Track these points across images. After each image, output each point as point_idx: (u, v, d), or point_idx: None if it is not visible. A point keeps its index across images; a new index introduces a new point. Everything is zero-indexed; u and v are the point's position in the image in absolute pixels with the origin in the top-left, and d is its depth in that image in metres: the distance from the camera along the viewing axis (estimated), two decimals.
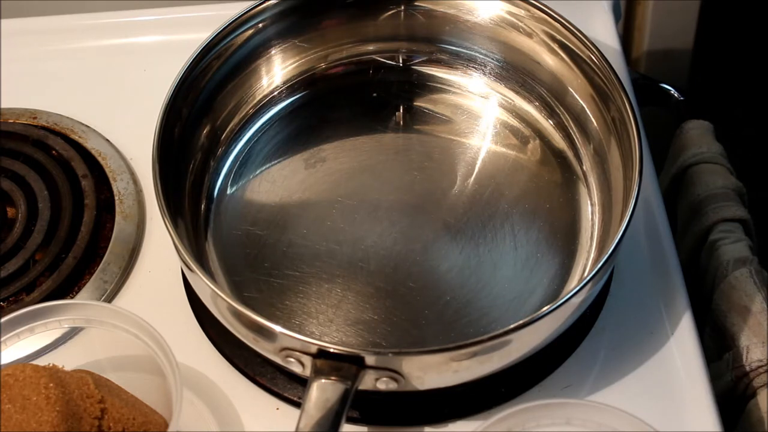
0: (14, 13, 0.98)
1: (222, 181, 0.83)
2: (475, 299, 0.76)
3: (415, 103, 0.88)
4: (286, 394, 0.74)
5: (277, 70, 0.87)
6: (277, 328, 0.66)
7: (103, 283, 0.80)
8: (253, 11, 0.82)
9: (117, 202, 0.84)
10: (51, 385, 0.66)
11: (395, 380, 0.67)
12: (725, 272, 0.80)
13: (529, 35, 0.83)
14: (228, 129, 0.85)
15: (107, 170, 0.86)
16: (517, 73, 0.86)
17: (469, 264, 0.78)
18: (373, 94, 0.88)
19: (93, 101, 0.91)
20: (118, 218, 0.83)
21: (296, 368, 0.68)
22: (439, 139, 0.86)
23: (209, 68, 0.82)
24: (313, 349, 0.66)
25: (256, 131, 0.86)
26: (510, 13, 0.84)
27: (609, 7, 0.96)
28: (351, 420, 0.72)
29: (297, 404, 0.73)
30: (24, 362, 0.70)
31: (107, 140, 0.88)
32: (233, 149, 0.85)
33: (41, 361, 0.72)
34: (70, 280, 0.79)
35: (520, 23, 0.84)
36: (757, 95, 1.44)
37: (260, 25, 0.84)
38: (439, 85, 0.88)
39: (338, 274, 0.77)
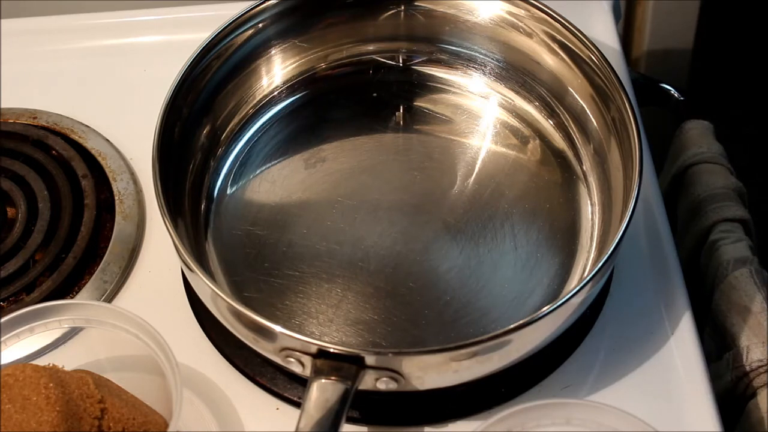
0: (14, 13, 0.98)
1: (222, 181, 0.83)
2: (475, 299, 0.76)
3: (415, 103, 0.88)
4: (286, 394, 0.74)
5: (277, 70, 0.87)
6: (277, 328, 0.66)
7: (103, 283, 0.80)
8: (253, 11, 0.82)
9: (117, 202, 0.84)
10: (51, 385, 0.66)
11: (395, 380, 0.67)
12: (725, 272, 0.80)
13: (529, 35, 0.84)
14: (228, 129, 0.85)
15: (107, 170, 0.86)
16: (517, 73, 0.86)
17: (469, 264, 0.78)
18: (373, 94, 0.88)
19: (93, 101, 0.91)
20: (118, 218, 0.83)
21: (296, 368, 0.68)
22: (439, 139, 0.86)
23: (209, 68, 0.82)
24: (313, 349, 0.66)
25: (256, 131, 0.86)
26: (510, 13, 0.84)
27: (609, 7, 0.96)
28: (351, 420, 0.72)
29: (297, 404, 0.73)
30: (24, 362, 0.70)
31: (107, 140, 0.88)
32: (233, 149, 0.85)
33: (41, 361, 0.72)
34: (70, 280, 0.79)
35: (520, 23, 0.84)
36: (757, 95, 1.44)
37: (260, 25, 0.84)
38: (439, 85, 0.88)
39: (338, 274, 0.77)
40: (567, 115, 0.84)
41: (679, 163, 0.90)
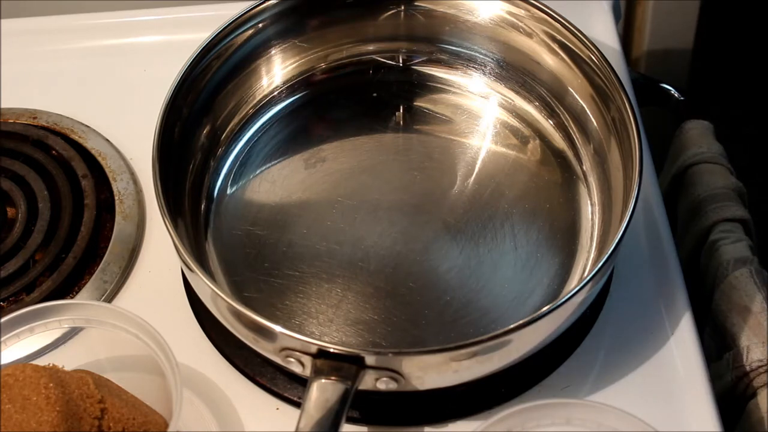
0: (14, 13, 0.98)
1: (222, 181, 0.83)
2: (475, 299, 0.76)
3: (415, 103, 0.88)
4: (286, 394, 0.74)
5: (277, 70, 0.87)
6: (277, 328, 0.66)
7: (103, 283, 0.80)
8: (253, 11, 0.82)
9: (117, 202, 0.84)
10: (51, 385, 0.66)
11: (395, 380, 0.67)
12: (725, 272, 0.80)
13: (529, 35, 0.84)
14: (228, 129, 0.85)
15: (107, 170, 0.86)
16: (517, 73, 0.86)
17: (469, 264, 0.78)
18: (373, 94, 0.88)
19: (93, 101, 0.91)
20: (118, 218, 0.83)
21: (296, 368, 0.68)
22: (439, 139, 0.86)
23: (209, 68, 0.82)
24: (313, 349, 0.66)
25: (256, 131, 0.86)
26: (510, 13, 0.84)
27: (609, 7, 0.96)
28: (351, 420, 0.72)
29: (297, 404, 0.73)
30: (24, 362, 0.70)
31: (107, 140, 0.88)
32: (233, 149, 0.85)
33: (41, 361, 0.72)
34: (70, 280, 0.79)
35: (520, 23, 0.84)
36: (757, 95, 1.44)
37: (260, 25, 0.84)
38: (439, 85, 0.88)
39: (338, 274, 0.77)
40: (567, 115, 0.84)
41: (679, 163, 0.90)
